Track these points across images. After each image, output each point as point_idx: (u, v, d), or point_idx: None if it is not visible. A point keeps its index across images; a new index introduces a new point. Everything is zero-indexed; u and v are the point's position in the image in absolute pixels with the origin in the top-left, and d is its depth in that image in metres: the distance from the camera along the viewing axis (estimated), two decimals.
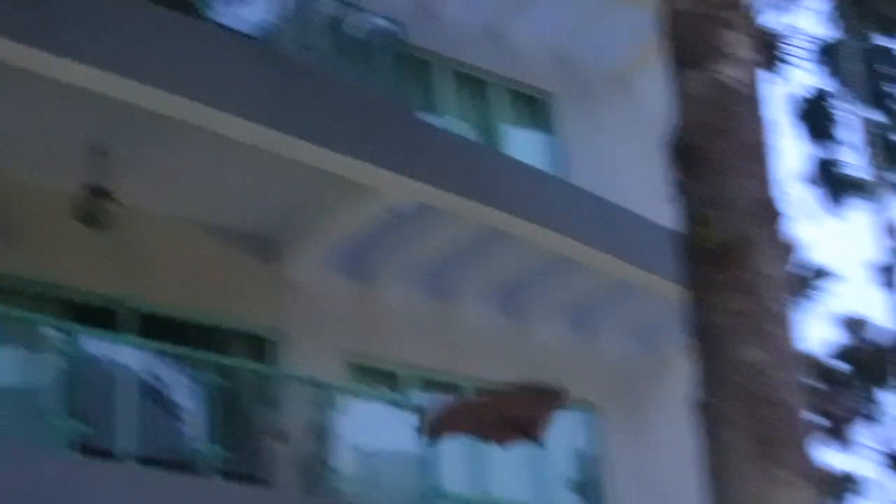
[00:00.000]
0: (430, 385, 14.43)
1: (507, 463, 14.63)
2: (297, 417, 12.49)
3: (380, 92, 14.30)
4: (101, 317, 12.22)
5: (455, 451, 14.18)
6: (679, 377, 13.00)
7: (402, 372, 14.27)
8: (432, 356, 14.45)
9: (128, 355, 11.85)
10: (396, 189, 13.04)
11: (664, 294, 13.46)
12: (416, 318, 14.47)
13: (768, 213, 5.70)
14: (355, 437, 13.11)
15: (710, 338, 5.49)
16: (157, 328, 12.48)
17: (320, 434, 12.57)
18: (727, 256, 5.54)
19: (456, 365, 14.62)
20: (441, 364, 14.52)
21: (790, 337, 5.59)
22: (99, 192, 11.84)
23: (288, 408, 12.64)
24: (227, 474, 11.87)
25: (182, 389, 12.14)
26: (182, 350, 12.10)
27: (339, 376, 13.48)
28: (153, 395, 11.93)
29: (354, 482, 13.16)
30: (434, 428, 9.85)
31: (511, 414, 10.10)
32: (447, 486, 13.79)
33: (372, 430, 13.54)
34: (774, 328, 5.50)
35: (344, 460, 13.00)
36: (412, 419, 13.22)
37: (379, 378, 14.22)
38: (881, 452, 35.27)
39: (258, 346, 13.40)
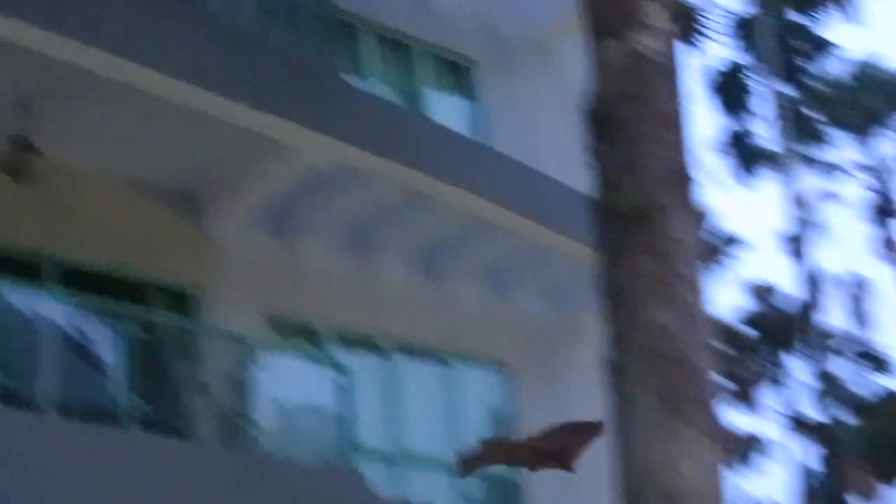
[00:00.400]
0: (350, 342, 14.44)
1: (423, 419, 14.71)
2: (218, 371, 12.46)
3: (305, 53, 14.22)
4: (24, 269, 12.07)
5: (373, 407, 14.23)
6: (592, 338, 13.12)
7: (323, 328, 14.26)
8: (353, 313, 14.46)
9: (50, 308, 11.73)
10: (319, 149, 12.99)
11: (579, 257, 13.52)
12: (337, 276, 14.46)
13: (680, 181, 5.74)
14: (275, 392, 13.10)
15: (621, 300, 5.53)
16: (80, 281, 12.36)
17: (240, 388, 12.54)
18: (639, 221, 5.58)
19: (376, 323, 14.64)
20: (361, 321, 14.54)
21: (699, 301, 5.64)
22: (24, 146, 11.68)
23: (208, 362, 12.60)
24: (148, 427, 11.82)
25: (104, 342, 12.05)
26: (104, 303, 12.01)
27: (259, 331, 13.45)
28: (75, 348, 11.83)
29: (273, 436, 13.16)
30: (467, 463, 10.04)
31: (545, 447, 10.19)
32: (364, 441, 13.84)
33: (291, 385, 13.54)
34: (684, 291, 5.55)
35: (263, 414, 12.98)
36: (331, 375, 13.24)
37: (299, 334, 14.20)
38: (785, 415, 35.84)
39: (180, 300, 13.32)
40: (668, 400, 5.32)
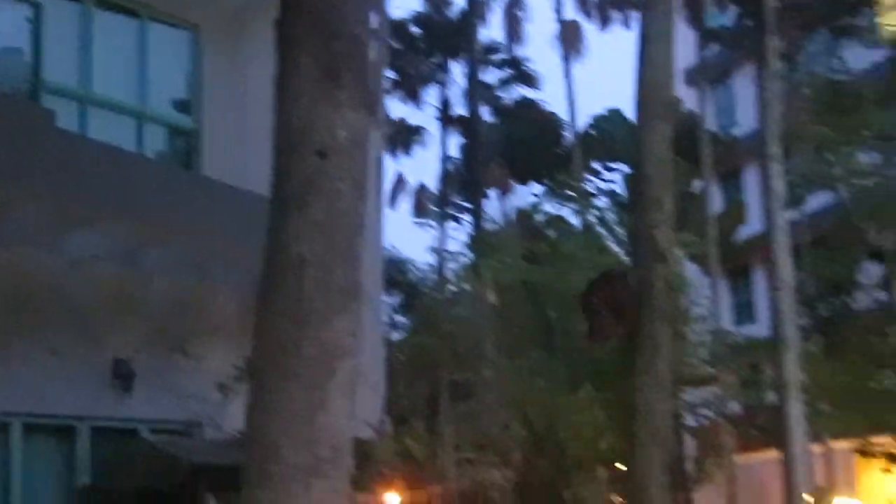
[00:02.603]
0: None
1: (112, 68, 14.12)
2: None
3: None
4: None
5: (66, 51, 13.52)
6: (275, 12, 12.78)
7: None
8: None
9: None
10: None
11: None
12: None
13: None
14: None
15: None
16: None
17: None
18: None
19: None
20: None
21: None
22: None
23: None
24: None
25: None
26: None
27: None
28: None
29: None
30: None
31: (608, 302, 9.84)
32: (54, 80, 13.21)
33: None
34: None
35: None
36: (25, 13, 12.48)
37: None
38: (440, 110, 36.68)
39: None
40: (330, 68, 5.24)
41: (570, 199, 24.22)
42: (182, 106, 15.11)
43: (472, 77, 35.16)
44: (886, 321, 18.36)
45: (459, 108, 36.30)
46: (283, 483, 4.87)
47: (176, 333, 13.64)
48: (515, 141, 35.83)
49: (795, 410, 13.55)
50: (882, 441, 17.34)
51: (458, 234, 35.17)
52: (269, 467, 4.89)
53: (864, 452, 17.90)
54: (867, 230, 18.49)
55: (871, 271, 19.44)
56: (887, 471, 17.30)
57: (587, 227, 22.98)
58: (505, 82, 37.01)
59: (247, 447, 5.03)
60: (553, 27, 34.64)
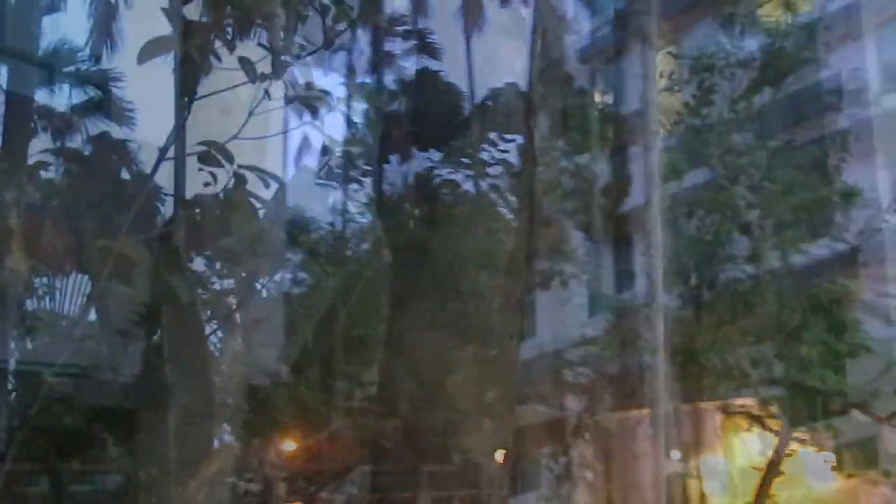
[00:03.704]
0: None
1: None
2: None
3: None
4: None
5: None
6: None
7: None
8: None
9: None
10: None
11: None
12: None
13: None
14: None
15: None
16: None
17: None
18: None
19: None
20: None
21: None
22: None
23: None
24: None
25: None
26: None
27: None
28: None
29: None
30: None
31: None
32: None
33: None
34: None
35: None
36: None
37: None
38: (346, 76, 36.31)
39: None
40: (240, 26, 5.17)
41: (465, 165, 24.27)
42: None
43: (376, 46, 34.90)
44: (752, 292, 18.79)
45: (359, 71, 35.97)
46: (178, 426, 4.85)
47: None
48: (417, 109, 35.66)
49: (664, 372, 13.83)
50: (744, 402, 17.80)
51: (360, 196, 35.00)
52: (164, 411, 4.87)
53: (728, 412, 18.36)
54: (738, 206, 18.86)
55: (741, 245, 19.86)
56: (748, 430, 17.80)
57: (481, 193, 23.07)
58: (408, 53, 36.81)
59: (144, 391, 4.99)
60: (456, 1, 34.51)
